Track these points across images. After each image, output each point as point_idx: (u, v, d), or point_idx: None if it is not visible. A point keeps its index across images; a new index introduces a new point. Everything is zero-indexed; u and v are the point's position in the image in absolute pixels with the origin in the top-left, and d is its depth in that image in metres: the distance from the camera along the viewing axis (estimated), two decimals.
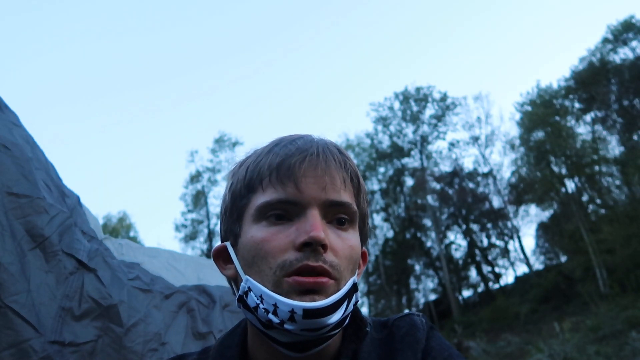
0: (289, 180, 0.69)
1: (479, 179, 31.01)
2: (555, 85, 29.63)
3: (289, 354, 0.68)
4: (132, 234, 32.24)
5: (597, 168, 27.11)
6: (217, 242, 0.81)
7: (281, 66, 54.80)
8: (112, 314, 1.25)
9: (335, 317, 0.65)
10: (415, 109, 32.06)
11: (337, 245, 0.68)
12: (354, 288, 0.69)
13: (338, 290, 0.66)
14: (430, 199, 30.15)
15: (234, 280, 0.75)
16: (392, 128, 32.45)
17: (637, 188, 24.42)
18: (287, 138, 0.76)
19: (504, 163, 34.97)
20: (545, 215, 29.35)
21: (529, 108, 29.17)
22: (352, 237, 0.72)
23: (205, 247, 30.15)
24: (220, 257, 0.78)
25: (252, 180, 0.72)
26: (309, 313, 0.62)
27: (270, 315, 0.64)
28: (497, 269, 30.61)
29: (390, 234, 32.14)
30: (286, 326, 0.63)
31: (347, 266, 0.69)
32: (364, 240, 0.78)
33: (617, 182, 26.54)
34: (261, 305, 0.65)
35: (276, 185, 0.69)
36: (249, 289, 0.68)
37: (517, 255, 29.86)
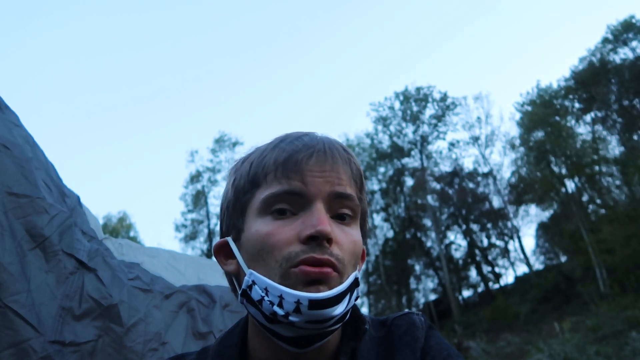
0: (296, 175, 0.69)
1: (479, 179, 31.07)
2: (555, 85, 29.67)
3: (290, 349, 0.68)
4: (132, 234, 32.28)
5: (597, 168, 27.12)
6: (217, 241, 0.80)
7: (281, 66, 54.88)
8: (113, 314, 1.25)
9: (339, 309, 0.65)
10: (415, 109, 32.08)
11: (341, 239, 0.69)
12: (356, 282, 0.70)
13: (341, 283, 0.66)
14: (430, 199, 30.18)
15: (236, 275, 0.75)
16: (392, 128, 32.50)
17: (637, 188, 24.42)
18: (293, 135, 0.76)
19: (504, 163, 34.98)
20: (545, 215, 29.42)
21: (529, 108, 29.17)
22: (355, 232, 0.72)
23: (205, 247, 30.18)
24: (222, 253, 0.77)
25: (257, 175, 0.72)
26: (314, 304, 0.62)
27: (276, 308, 0.64)
28: (497, 269, 30.69)
29: (390, 234, 32.20)
30: (291, 318, 0.63)
31: (350, 260, 0.69)
32: (363, 238, 0.78)
33: (617, 182, 26.57)
34: (266, 298, 0.65)
35: (282, 180, 0.69)
36: (253, 282, 0.68)
37: (517, 255, 29.95)
